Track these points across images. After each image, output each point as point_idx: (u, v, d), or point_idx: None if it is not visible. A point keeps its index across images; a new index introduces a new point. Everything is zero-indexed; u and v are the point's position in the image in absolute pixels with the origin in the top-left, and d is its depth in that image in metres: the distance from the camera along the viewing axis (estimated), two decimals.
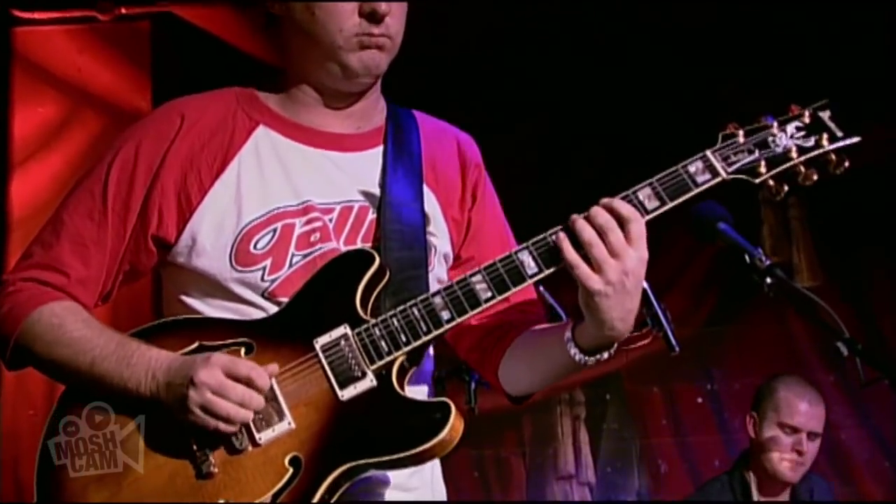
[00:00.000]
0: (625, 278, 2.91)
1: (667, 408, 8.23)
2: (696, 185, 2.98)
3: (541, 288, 3.56)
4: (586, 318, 2.97)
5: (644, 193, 2.97)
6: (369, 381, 3.05)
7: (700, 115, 7.28)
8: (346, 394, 3.05)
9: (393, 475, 3.10)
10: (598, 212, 2.93)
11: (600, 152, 8.10)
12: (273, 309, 3.08)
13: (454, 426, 3.07)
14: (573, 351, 3.08)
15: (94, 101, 7.44)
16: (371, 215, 3.14)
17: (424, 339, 3.08)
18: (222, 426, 2.95)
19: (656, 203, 2.97)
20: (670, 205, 2.97)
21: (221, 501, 3.07)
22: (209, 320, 3.13)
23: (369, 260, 3.14)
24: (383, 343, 3.08)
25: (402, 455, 3.00)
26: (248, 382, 2.94)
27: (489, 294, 3.09)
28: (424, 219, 3.20)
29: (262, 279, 3.12)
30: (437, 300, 3.09)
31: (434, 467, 3.26)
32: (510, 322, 3.30)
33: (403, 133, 3.24)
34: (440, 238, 3.29)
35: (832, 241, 8.19)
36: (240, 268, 3.12)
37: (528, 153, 8.16)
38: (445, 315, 3.08)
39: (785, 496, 6.38)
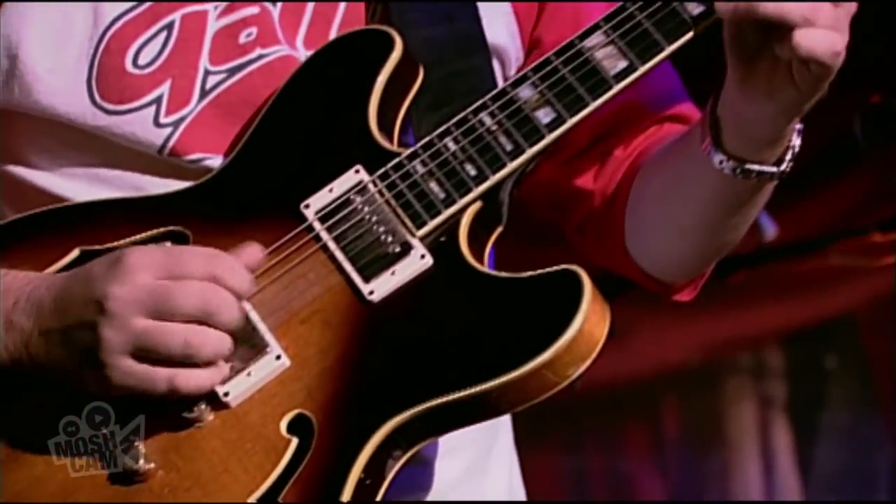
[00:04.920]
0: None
1: None
2: None
3: None
4: (747, 86, 1.77)
5: None
6: (418, 259, 1.80)
7: None
8: (378, 288, 1.80)
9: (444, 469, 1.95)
10: None
11: None
12: (180, 178, 1.92)
13: (590, 311, 1.72)
14: (717, 158, 1.83)
15: None
16: None
17: (510, 166, 1.82)
18: (172, 381, 1.73)
19: None
20: None
21: None
22: (87, 206, 1.92)
23: (385, 45, 1.89)
24: (434, 185, 1.83)
25: (494, 383, 1.71)
26: (215, 279, 1.73)
27: (623, 64, 1.83)
28: None
29: (156, 123, 1.90)
30: (527, 92, 1.84)
31: (512, 460, 2.12)
32: (640, 133, 2.06)
33: None
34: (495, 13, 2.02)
35: None
36: (109, 104, 1.90)
37: None
38: (546, 115, 1.82)
39: None
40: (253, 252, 1.77)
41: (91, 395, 1.75)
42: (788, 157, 1.83)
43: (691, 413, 4.86)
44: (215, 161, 1.90)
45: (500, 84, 1.93)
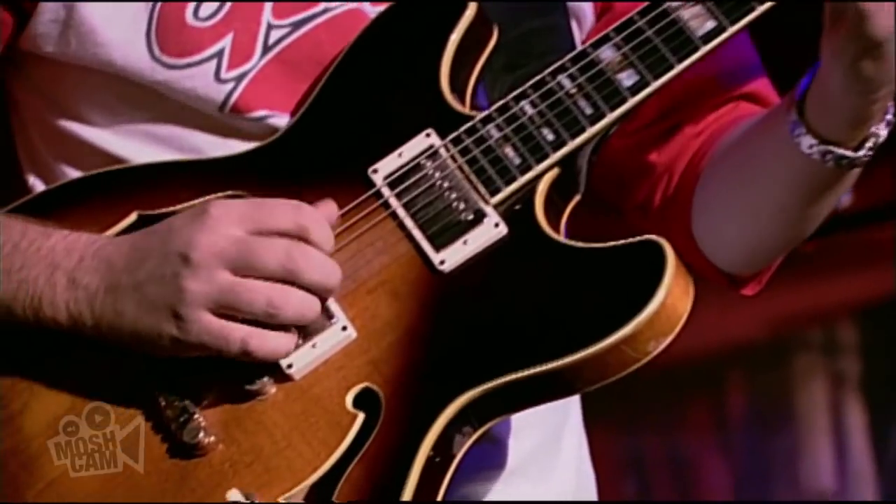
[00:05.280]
0: None
1: None
2: None
3: None
4: (840, 65, 1.68)
5: None
6: (492, 228, 1.70)
7: None
8: (450, 258, 1.71)
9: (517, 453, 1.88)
10: None
11: None
12: (241, 139, 1.84)
13: (673, 284, 1.62)
14: (805, 141, 1.74)
15: None
16: None
17: (590, 131, 1.73)
18: (246, 341, 1.64)
19: None
20: None
21: (235, 498, 1.64)
22: (145, 169, 1.84)
23: (458, 2, 1.80)
24: (510, 150, 1.73)
25: (571, 359, 1.62)
26: (302, 230, 1.65)
27: (711, 24, 1.73)
28: None
29: (217, 78, 1.82)
30: (609, 54, 1.74)
31: (581, 440, 2.04)
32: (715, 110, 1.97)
33: None
34: None
35: None
36: (169, 58, 1.82)
37: None
38: (628, 78, 1.73)
39: None
40: (331, 208, 1.70)
41: (155, 357, 1.68)
42: (870, 143, 1.75)
43: (758, 391, 4.63)
44: (279, 119, 1.82)
45: (579, 45, 1.85)
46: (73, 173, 1.89)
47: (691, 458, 4.68)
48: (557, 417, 1.95)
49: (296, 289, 1.63)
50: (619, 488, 4.53)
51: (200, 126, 1.84)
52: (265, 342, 1.63)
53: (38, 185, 1.92)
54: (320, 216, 1.67)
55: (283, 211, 1.65)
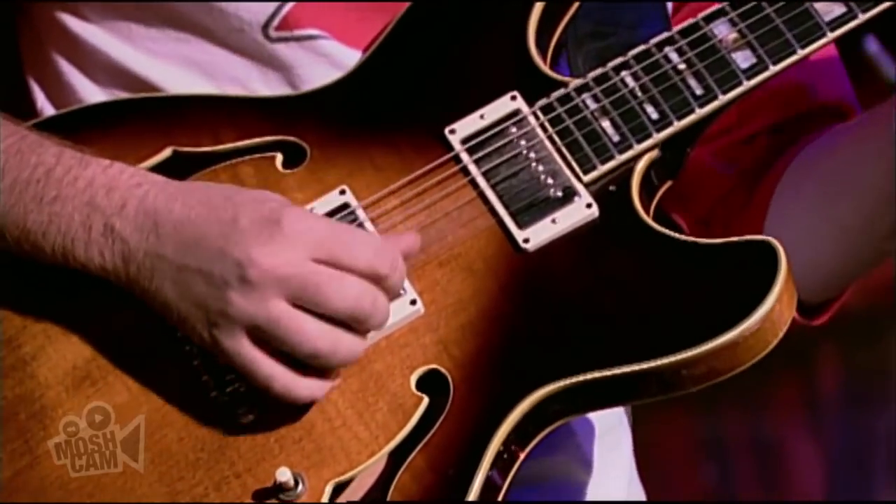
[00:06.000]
0: None
1: None
2: None
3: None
4: None
5: None
6: (583, 208, 1.57)
7: None
8: (534, 236, 1.56)
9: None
10: None
11: None
12: (284, 71, 1.70)
13: (783, 290, 1.50)
14: None
15: None
16: None
17: (699, 113, 1.60)
18: (272, 382, 1.47)
19: None
20: None
21: (285, 477, 1.46)
22: (183, 100, 1.68)
23: None
24: (608, 126, 1.59)
25: (661, 362, 1.48)
26: (377, 277, 1.47)
27: (840, 10, 1.61)
28: None
29: None
30: (723, 30, 1.61)
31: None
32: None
33: None
34: None
35: None
36: None
37: None
38: (745, 59, 1.60)
39: None
40: (412, 242, 1.53)
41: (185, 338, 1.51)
42: None
43: (853, 366, 4.22)
44: (328, 42, 1.69)
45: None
46: (96, 94, 1.74)
47: (778, 440, 4.28)
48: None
49: (349, 334, 1.46)
50: (697, 475, 4.17)
51: (242, 50, 1.69)
52: (291, 389, 1.47)
53: (47, 108, 1.77)
54: (399, 259, 1.49)
55: (364, 250, 1.46)
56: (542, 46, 1.66)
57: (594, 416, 1.79)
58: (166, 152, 1.61)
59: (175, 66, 1.72)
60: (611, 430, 1.84)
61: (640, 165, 1.60)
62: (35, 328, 1.55)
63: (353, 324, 1.45)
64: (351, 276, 1.44)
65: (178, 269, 1.46)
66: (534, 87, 1.62)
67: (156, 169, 1.58)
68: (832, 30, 1.61)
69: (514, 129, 1.60)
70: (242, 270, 1.43)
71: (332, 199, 1.58)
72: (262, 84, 1.70)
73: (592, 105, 1.60)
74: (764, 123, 1.84)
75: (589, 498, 1.80)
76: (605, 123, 1.59)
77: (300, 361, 1.45)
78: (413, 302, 1.54)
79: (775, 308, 1.50)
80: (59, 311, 1.55)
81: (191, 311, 1.46)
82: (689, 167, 1.73)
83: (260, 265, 1.42)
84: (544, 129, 1.59)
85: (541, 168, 1.58)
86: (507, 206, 1.57)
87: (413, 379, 1.52)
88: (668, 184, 1.65)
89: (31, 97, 1.79)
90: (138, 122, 1.65)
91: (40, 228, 1.51)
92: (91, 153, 1.54)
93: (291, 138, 1.61)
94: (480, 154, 1.59)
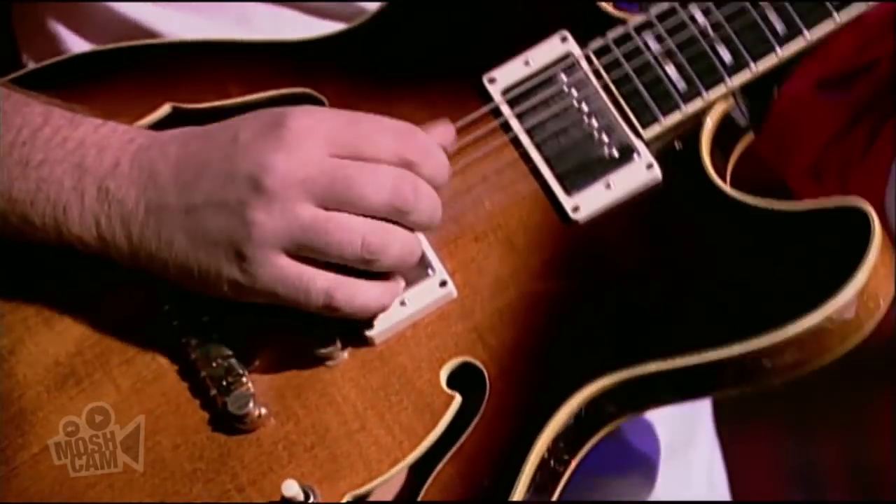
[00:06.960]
0: None
1: None
2: None
3: None
4: None
5: None
6: (643, 170, 1.43)
7: None
8: (586, 204, 1.43)
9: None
10: None
11: None
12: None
13: (878, 263, 1.34)
14: None
15: None
16: None
17: (779, 54, 1.43)
18: (332, 294, 1.35)
19: None
20: None
21: (292, 491, 1.34)
22: (182, 47, 1.58)
23: None
24: (673, 71, 1.43)
25: (738, 350, 1.33)
26: (408, 164, 1.37)
27: None
28: None
29: None
30: None
31: (713, 439, 1.82)
32: None
33: None
34: None
35: None
36: None
37: None
38: None
39: None
40: (446, 132, 1.41)
41: (211, 299, 1.39)
42: None
43: None
44: None
45: None
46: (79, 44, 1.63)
47: (875, 467, 4.09)
48: (689, 414, 1.71)
49: (399, 227, 1.35)
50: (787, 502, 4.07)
51: None
52: (356, 294, 1.35)
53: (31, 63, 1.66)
54: (432, 143, 1.38)
55: (386, 136, 1.36)
56: None
57: (662, 429, 1.68)
58: (165, 109, 1.50)
59: (173, 7, 1.61)
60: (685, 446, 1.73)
61: (711, 119, 1.44)
62: (12, 318, 1.43)
63: (396, 218, 1.35)
64: (382, 165, 1.34)
65: (186, 211, 1.35)
66: (587, 26, 1.47)
67: (153, 128, 1.46)
68: None
69: (563, 77, 1.45)
70: (257, 183, 1.32)
71: None
72: (274, 30, 1.58)
73: (656, 47, 1.44)
74: (888, 49, 1.65)
75: None
76: (670, 68, 1.44)
77: (353, 269, 1.34)
78: (443, 283, 1.39)
79: (869, 284, 1.34)
80: (40, 298, 1.43)
81: (212, 256, 1.34)
82: (787, 106, 1.59)
83: (275, 171, 1.32)
84: (598, 76, 1.44)
85: (594, 123, 1.44)
86: (553, 168, 1.43)
87: (443, 374, 1.40)
88: (747, 140, 1.50)
89: (14, 49, 1.69)
90: (132, 73, 1.54)
91: (27, 197, 1.39)
92: (82, 111, 1.43)
93: (307, 90, 1.48)
94: (524, 107, 1.45)
